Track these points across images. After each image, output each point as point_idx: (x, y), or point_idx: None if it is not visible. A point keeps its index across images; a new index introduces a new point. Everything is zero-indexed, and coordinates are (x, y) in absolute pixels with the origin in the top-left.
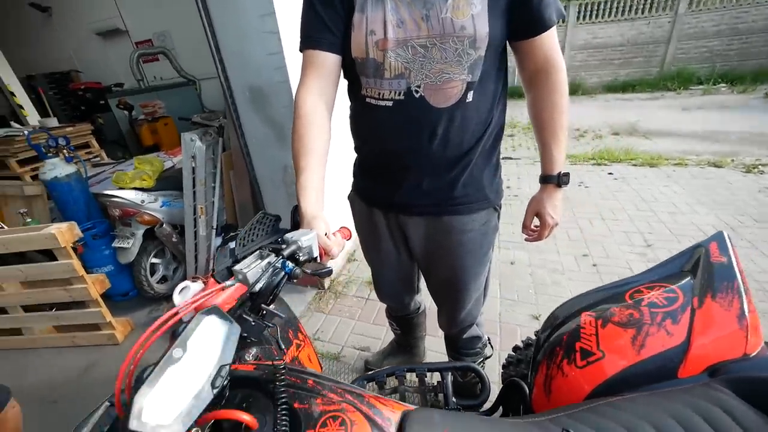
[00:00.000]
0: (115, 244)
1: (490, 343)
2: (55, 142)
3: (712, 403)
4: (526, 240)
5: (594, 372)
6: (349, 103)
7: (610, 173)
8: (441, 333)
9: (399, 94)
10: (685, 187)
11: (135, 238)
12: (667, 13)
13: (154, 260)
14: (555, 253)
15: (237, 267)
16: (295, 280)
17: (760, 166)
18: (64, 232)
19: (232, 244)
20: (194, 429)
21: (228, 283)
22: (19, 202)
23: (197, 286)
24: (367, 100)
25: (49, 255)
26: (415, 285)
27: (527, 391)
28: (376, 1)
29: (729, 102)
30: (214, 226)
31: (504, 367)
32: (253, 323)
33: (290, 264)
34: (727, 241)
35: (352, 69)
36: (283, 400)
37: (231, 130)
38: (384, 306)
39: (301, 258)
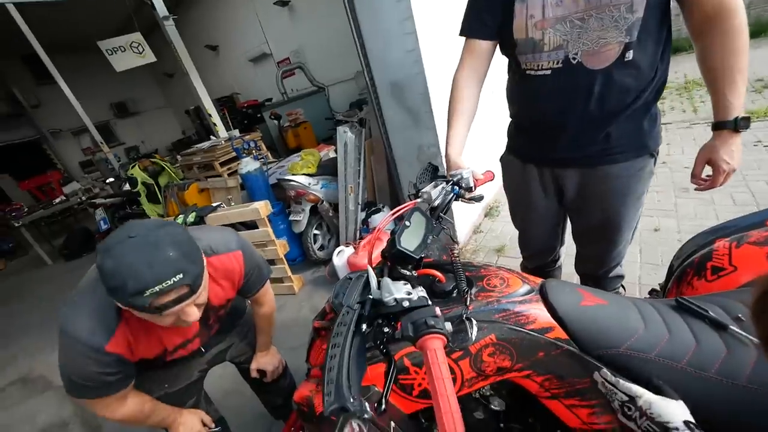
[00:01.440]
0: (291, 217)
1: (623, 285)
2: (248, 145)
3: None
4: (695, 189)
5: (726, 283)
6: (506, 77)
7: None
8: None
9: (557, 63)
10: None
11: (304, 212)
12: None
13: (315, 232)
14: (714, 219)
15: (423, 189)
16: (459, 200)
17: None
18: (263, 207)
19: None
20: (414, 272)
21: (417, 200)
22: (222, 193)
23: (350, 249)
24: (527, 72)
25: (247, 227)
26: (561, 236)
27: None
28: None
29: None
30: (359, 202)
31: None
32: (434, 224)
33: (457, 188)
34: None
35: (512, 48)
36: (459, 268)
37: (373, 120)
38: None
39: (463, 185)
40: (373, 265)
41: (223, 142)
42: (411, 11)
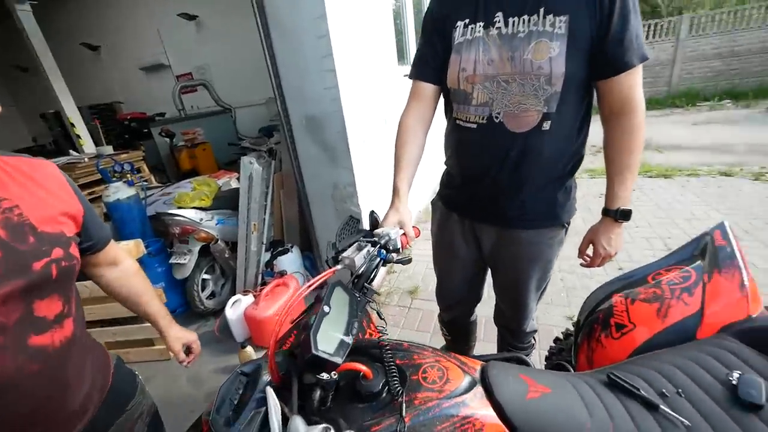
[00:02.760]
0: (173, 260)
1: (534, 337)
2: (121, 167)
3: (722, 349)
4: (581, 265)
5: (628, 341)
6: (445, 123)
7: None
8: (489, 339)
9: (482, 119)
10: (699, 195)
11: (192, 254)
12: (669, 38)
13: (205, 276)
14: (587, 270)
15: (344, 254)
16: (386, 266)
17: (767, 174)
18: (131, 249)
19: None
20: (333, 374)
21: (338, 267)
22: None
23: (248, 299)
24: (457, 121)
25: None
26: (479, 291)
27: (572, 371)
28: (470, 45)
29: (734, 117)
30: (264, 242)
31: (547, 358)
32: (359, 298)
33: (384, 252)
34: (728, 228)
35: (447, 95)
36: (390, 356)
37: (285, 152)
38: (425, 313)
39: (390, 248)
40: (275, 348)
41: (86, 159)
42: (331, 49)
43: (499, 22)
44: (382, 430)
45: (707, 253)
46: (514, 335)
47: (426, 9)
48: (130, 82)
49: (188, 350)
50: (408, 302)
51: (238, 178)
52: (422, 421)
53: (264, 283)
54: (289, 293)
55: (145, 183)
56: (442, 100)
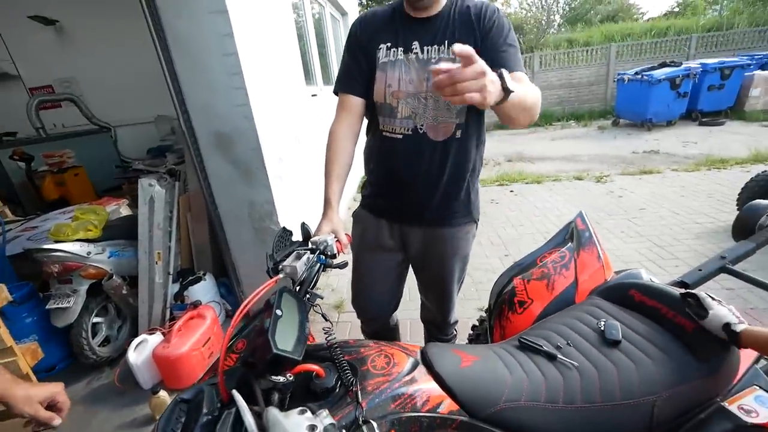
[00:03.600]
0: (52, 305)
1: (456, 329)
2: None
3: (592, 306)
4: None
5: (529, 313)
6: (365, 139)
7: (511, 191)
8: (414, 338)
9: (408, 130)
10: (563, 196)
11: (77, 295)
12: (527, 70)
13: (96, 319)
14: (484, 257)
15: (284, 263)
16: (325, 270)
17: (604, 177)
18: None
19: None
20: (289, 376)
21: (280, 276)
22: None
23: (156, 337)
24: (384, 133)
25: None
26: (398, 298)
27: None
28: (393, 65)
29: (578, 133)
30: (171, 272)
31: (468, 343)
32: (303, 302)
33: (323, 257)
34: (585, 216)
35: (373, 110)
36: (339, 353)
37: (191, 172)
38: (354, 326)
39: (328, 254)
40: (222, 368)
41: None
42: (240, 67)
43: (416, 48)
44: (343, 418)
45: (574, 236)
46: (439, 328)
47: (348, 32)
48: None
49: (52, 407)
50: (335, 317)
51: (128, 205)
52: (378, 403)
53: (173, 319)
54: (207, 324)
55: None
56: None
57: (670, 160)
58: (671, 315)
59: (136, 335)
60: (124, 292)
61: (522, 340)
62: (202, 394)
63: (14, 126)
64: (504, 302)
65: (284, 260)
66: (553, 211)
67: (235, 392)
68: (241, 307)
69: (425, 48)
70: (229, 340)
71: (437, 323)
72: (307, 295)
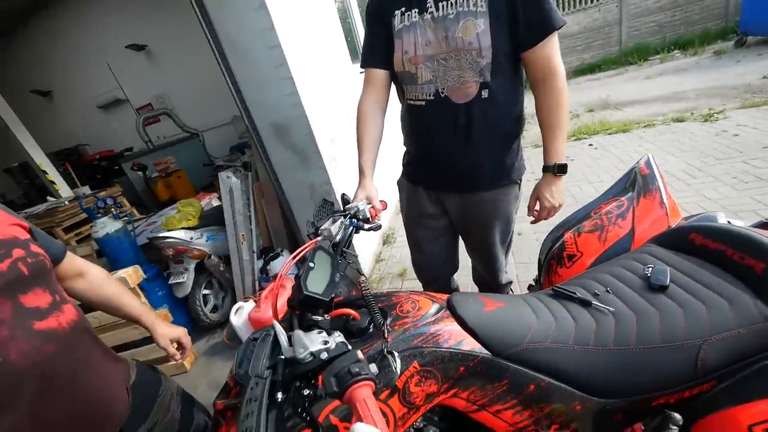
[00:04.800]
0: (172, 280)
1: (511, 289)
2: (104, 203)
3: (644, 253)
4: (531, 223)
5: (578, 266)
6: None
7: (590, 144)
8: None
9: (430, 95)
10: (656, 144)
11: (188, 272)
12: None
13: (205, 292)
14: (556, 219)
15: (323, 227)
16: (359, 231)
17: (715, 114)
18: (131, 275)
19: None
20: (327, 316)
21: (318, 238)
22: None
23: (250, 304)
24: (409, 102)
25: None
26: (454, 260)
27: None
28: (408, 30)
29: (683, 65)
30: (255, 250)
31: None
32: (339, 260)
33: (355, 220)
34: (651, 159)
35: (396, 79)
36: (371, 300)
37: (259, 162)
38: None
39: (360, 218)
40: (280, 318)
41: (66, 203)
42: (285, 58)
43: (431, 6)
44: (372, 351)
45: (636, 183)
46: (491, 289)
47: (366, 4)
48: (90, 122)
49: (179, 345)
50: (399, 284)
51: (219, 197)
52: (402, 339)
53: (261, 288)
54: (287, 292)
55: (129, 216)
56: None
57: None
58: (738, 257)
59: (236, 302)
60: (222, 268)
61: (555, 288)
62: (268, 335)
63: (130, 142)
64: (553, 257)
65: (323, 225)
66: None
67: (274, 321)
68: (286, 262)
69: (440, 4)
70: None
71: (488, 284)
72: (344, 255)
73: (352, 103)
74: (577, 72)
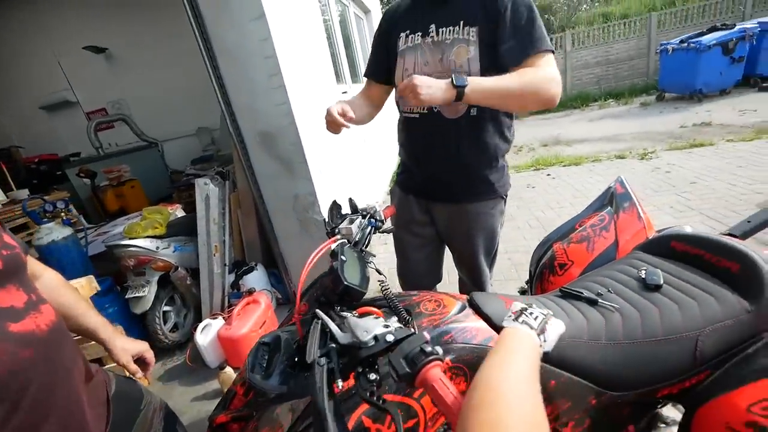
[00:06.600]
0: (130, 294)
1: None
2: (53, 206)
3: (633, 259)
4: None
5: (569, 274)
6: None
7: (548, 174)
8: None
9: (424, 109)
10: (604, 176)
11: (150, 285)
12: (558, 51)
13: (166, 308)
14: (522, 240)
15: (340, 226)
16: (375, 233)
17: (649, 154)
18: (84, 286)
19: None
20: (354, 313)
21: (337, 236)
22: None
23: (218, 322)
24: (404, 114)
25: None
26: (438, 272)
27: None
28: (411, 50)
29: (618, 112)
30: (227, 263)
31: None
32: (359, 259)
33: (373, 220)
34: (624, 180)
35: (395, 92)
36: (394, 299)
37: (239, 171)
38: None
39: (377, 218)
40: (300, 316)
41: None
42: (279, 68)
43: (432, 32)
44: None
45: (613, 200)
46: None
47: (378, 23)
48: (29, 123)
49: (141, 362)
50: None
51: (183, 209)
52: (432, 337)
53: (231, 305)
54: (262, 308)
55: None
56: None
57: (725, 131)
58: (715, 260)
59: (199, 322)
60: (188, 282)
61: (563, 289)
62: (279, 339)
63: (77, 147)
64: (545, 267)
65: (341, 224)
66: (594, 191)
67: (318, 310)
68: (308, 262)
69: (440, 30)
70: (301, 291)
71: None
72: (363, 254)
73: None
74: (530, 112)
